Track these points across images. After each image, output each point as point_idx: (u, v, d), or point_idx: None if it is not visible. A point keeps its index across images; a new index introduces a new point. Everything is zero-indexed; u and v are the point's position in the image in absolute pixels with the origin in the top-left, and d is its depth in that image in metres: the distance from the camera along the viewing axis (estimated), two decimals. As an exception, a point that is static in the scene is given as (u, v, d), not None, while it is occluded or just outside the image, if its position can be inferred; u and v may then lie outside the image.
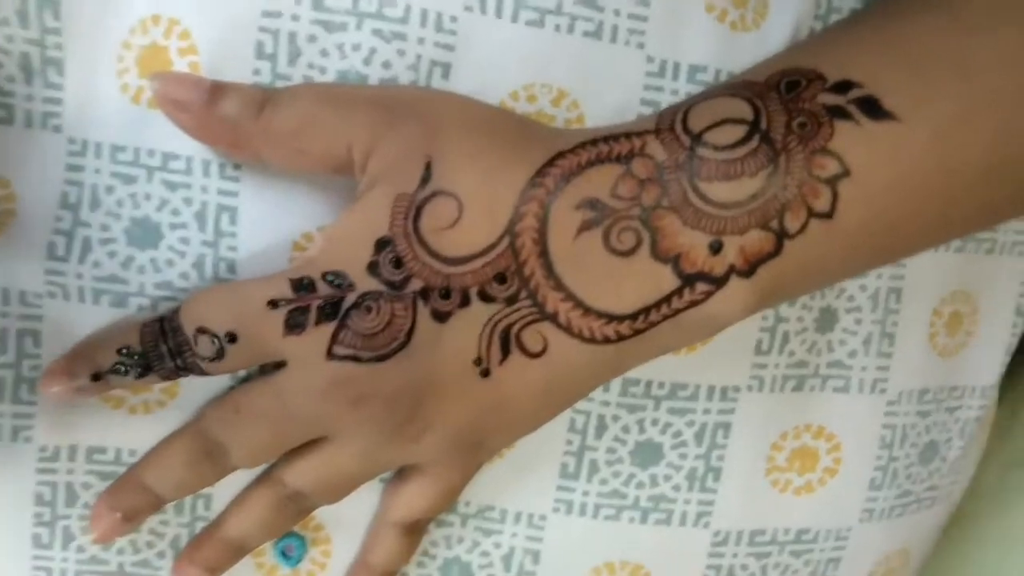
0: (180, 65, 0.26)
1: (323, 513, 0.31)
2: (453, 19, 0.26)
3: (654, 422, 0.31)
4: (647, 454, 0.31)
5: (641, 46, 0.28)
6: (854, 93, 0.25)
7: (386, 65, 0.26)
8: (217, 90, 0.26)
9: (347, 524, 0.31)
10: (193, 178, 0.27)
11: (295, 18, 0.26)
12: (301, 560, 0.31)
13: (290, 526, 0.29)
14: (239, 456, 0.27)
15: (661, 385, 0.30)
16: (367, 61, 0.26)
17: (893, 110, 0.25)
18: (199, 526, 0.31)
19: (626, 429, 0.30)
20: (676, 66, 0.28)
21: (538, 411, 0.27)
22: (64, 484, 0.29)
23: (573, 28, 0.27)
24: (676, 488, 0.31)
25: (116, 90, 0.27)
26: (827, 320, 0.31)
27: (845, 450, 0.32)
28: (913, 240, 0.28)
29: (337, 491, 0.28)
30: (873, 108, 0.25)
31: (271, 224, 0.27)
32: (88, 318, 0.28)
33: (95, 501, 0.29)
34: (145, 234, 0.27)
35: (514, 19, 0.27)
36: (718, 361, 0.30)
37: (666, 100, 0.28)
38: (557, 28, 0.27)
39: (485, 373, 0.26)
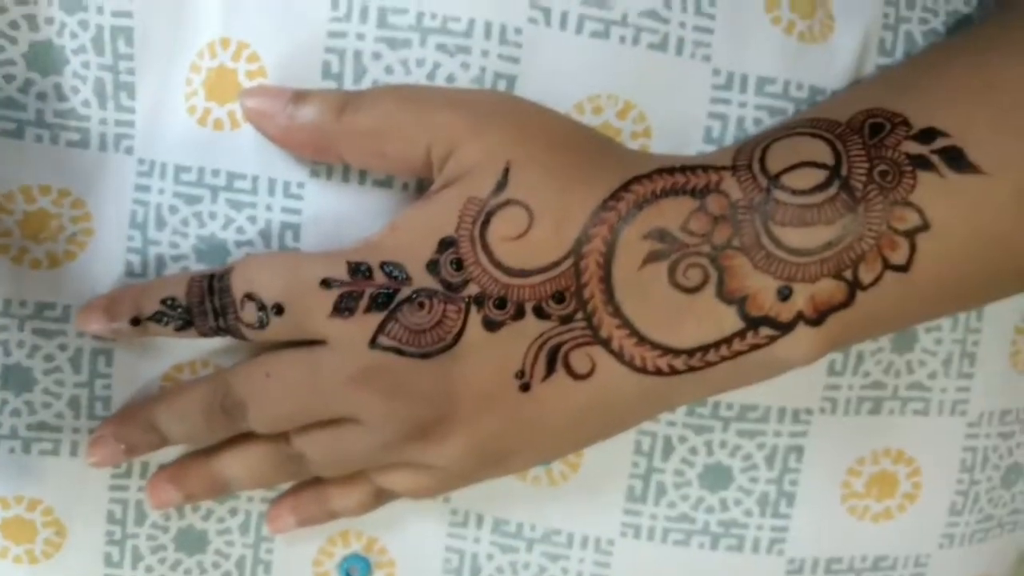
0: (248, 87, 0.27)
1: (386, 537, 0.31)
2: (518, 31, 0.26)
3: (723, 444, 0.30)
4: (716, 477, 0.30)
5: (707, 59, 0.27)
6: (939, 143, 0.25)
7: (450, 79, 0.26)
8: (299, 97, 0.26)
9: (411, 548, 0.31)
10: (258, 197, 0.27)
11: (360, 37, 0.26)
12: (365, 582, 0.31)
13: (279, 483, 0.29)
14: (257, 420, 0.27)
15: (729, 406, 0.29)
16: (431, 76, 0.26)
17: (978, 163, 0.25)
18: (263, 548, 0.31)
19: (694, 451, 0.30)
20: (744, 78, 0.27)
21: (571, 434, 0.27)
22: (134, 502, 0.30)
23: (638, 40, 0.27)
24: (748, 513, 0.30)
25: (183, 112, 0.27)
26: (905, 340, 0.30)
27: (925, 475, 0.31)
28: (988, 293, 0.27)
29: (339, 468, 0.28)
30: (958, 160, 0.25)
31: (333, 242, 0.27)
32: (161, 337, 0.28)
33: (99, 425, 0.28)
34: (212, 251, 0.28)
35: (579, 30, 0.26)
36: (789, 382, 0.29)
37: (734, 113, 0.27)
38: (622, 40, 0.27)
39: (525, 387, 0.26)
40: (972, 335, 0.31)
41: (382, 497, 0.29)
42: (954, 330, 0.30)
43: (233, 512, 0.30)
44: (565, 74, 0.27)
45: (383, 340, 0.25)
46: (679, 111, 0.27)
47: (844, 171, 0.24)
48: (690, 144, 0.27)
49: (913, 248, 0.24)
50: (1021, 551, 0.36)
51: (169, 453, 0.29)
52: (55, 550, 0.30)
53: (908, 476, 0.31)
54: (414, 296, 0.25)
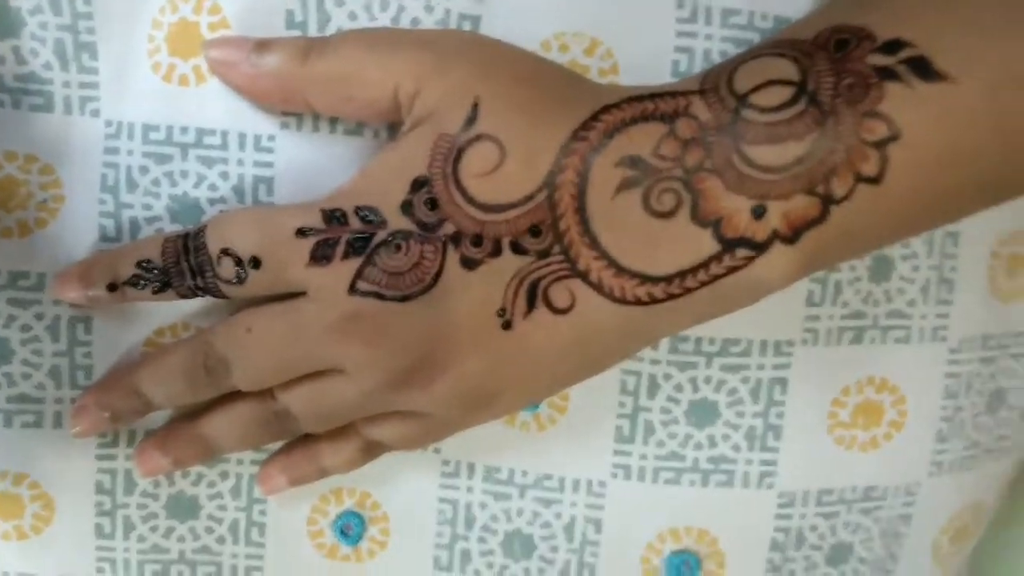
0: (211, 38, 0.27)
1: (379, 491, 0.31)
2: None
3: (707, 380, 0.30)
4: (703, 413, 0.30)
5: None
6: (905, 53, 0.25)
7: (415, 22, 0.26)
8: (262, 45, 0.26)
9: (404, 501, 0.31)
10: (229, 152, 0.27)
11: None
12: (360, 539, 0.31)
13: (267, 443, 0.29)
14: (241, 376, 0.27)
15: (712, 341, 0.30)
16: (395, 20, 0.26)
17: (945, 70, 0.24)
18: (256, 510, 0.30)
19: (679, 388, 0.30)
20: (708, 10, 0.27)
21: (556, 370, 0.27)
22: (123, 471, 0.30)
23: None
24: (736, 448, 0.30)
25: (148, 69, 0.27)
26: (882, 269, 0.30)
27: (910, 402, 0.31)
28: (965, 204, 0.27)
29: (326, 422, 0.28)
30: (924, 69, 0.25)
31: (307, 193, 0.27)
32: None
33: (81, 394, 0.28)
34: (186, 211, 0.27)
35: None
36: (768, 315, 0.29)
37: (700, 46, 0.27)
38: None
39: (507, 325, 0.26)
40: (948, 260, 0.31)
41: (372, 451, 0.29)
42: (930, 256, 0.31)
43: (224, 476, 0.30)
44: (529, 13, 0.27)
45: (362, 285, 0.25)
46: (646, 46, 0.27)
47: (811, 86, 0.25)
48: (659, 78, 0.27)
49: (884, 159, 0.24)
50: (1010, 478, 0.36)
51: (156, 420, 0.29)
52: (44, 524, 0.30)
53: (893, 404, 0.31)
54: (390, 239, 0.25)
